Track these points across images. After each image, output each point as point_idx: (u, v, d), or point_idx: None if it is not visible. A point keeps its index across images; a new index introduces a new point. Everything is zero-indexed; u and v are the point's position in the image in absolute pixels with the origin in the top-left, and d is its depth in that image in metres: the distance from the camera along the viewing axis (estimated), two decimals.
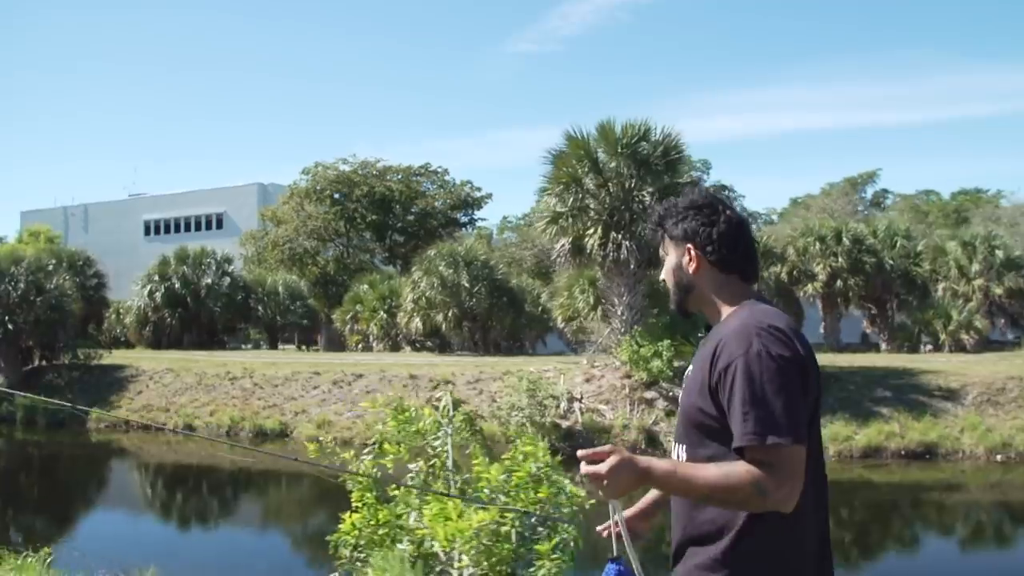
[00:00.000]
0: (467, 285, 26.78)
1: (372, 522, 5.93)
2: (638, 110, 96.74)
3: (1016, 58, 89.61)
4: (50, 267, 25.44)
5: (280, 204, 46.28)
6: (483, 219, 50.58)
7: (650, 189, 18.01)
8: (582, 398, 17.99)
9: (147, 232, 58.93)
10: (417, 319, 27.18)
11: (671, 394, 17.91)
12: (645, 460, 2.03)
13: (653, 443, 16.90)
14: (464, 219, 49.65)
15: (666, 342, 17.42)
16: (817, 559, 2.15)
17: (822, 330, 27.20)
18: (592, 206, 18.62)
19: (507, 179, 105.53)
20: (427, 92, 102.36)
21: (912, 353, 24.22)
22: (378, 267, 46.63)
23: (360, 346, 30.54)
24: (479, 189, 48.42)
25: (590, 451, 2.04)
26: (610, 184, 18.08)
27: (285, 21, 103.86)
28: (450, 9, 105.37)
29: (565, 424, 17.31)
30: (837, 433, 16.14)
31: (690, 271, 2.28)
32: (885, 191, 62.01)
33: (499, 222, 63.16)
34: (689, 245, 2.27)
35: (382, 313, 30.04)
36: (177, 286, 31.79)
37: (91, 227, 58.92)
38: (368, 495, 6.16)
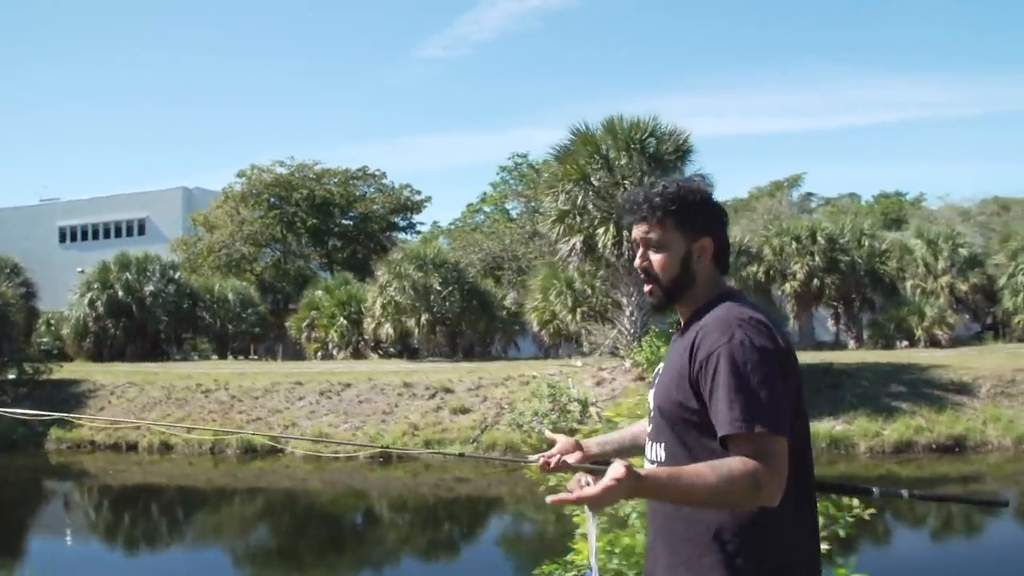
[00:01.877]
0: (439, 288, 25.87)
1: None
2: (551, 115, 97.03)
3: (913, 69, 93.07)
4: None
5: (213, 208, 44.44)
6: (422, 223, 49.57)
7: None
8: (596, 402, 17.33)
9: (62, 239, 55.89)
10: (387, 325, 26.10)
11: None
12: (643, 471, 1.89)
13: None
14: (403, 223, 48.59)
15: None
16: (807, 553, 2.11)
17: (796, 328, 27.22)
18: (601, 203, 18.00)
19: (423, 185, 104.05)
20: (338, 98, 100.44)
21: (887, 350, 24.35)
22: (315, 272, 45.25)
23: (320, 354, 29.26)
24: (418, 192, 47.55)
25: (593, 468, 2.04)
26: (626, 181, 17.48)
27: (204, 22, 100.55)
28: (360, 14, 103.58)
29: (584, 429, 16.59)
30: (866, 429, 15.94)
31: (699, 264, 2.21)
32: (810, 194, 63.43)
33: (430, 227, 62.42)
34: (707, 239, 2.20)
35: (342, 319, 28.84)
36: (120, 294, 29.80)
37: (0, 234, 55.51)
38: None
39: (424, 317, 25.67)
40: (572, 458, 2.42)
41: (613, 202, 17.99)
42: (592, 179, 17.99)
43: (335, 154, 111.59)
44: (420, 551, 12.83)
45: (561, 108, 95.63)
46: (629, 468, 1.82)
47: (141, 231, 54.25)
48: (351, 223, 45.94)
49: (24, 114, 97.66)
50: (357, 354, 28.44)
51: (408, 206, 47.31)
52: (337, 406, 19.10)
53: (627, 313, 18.51)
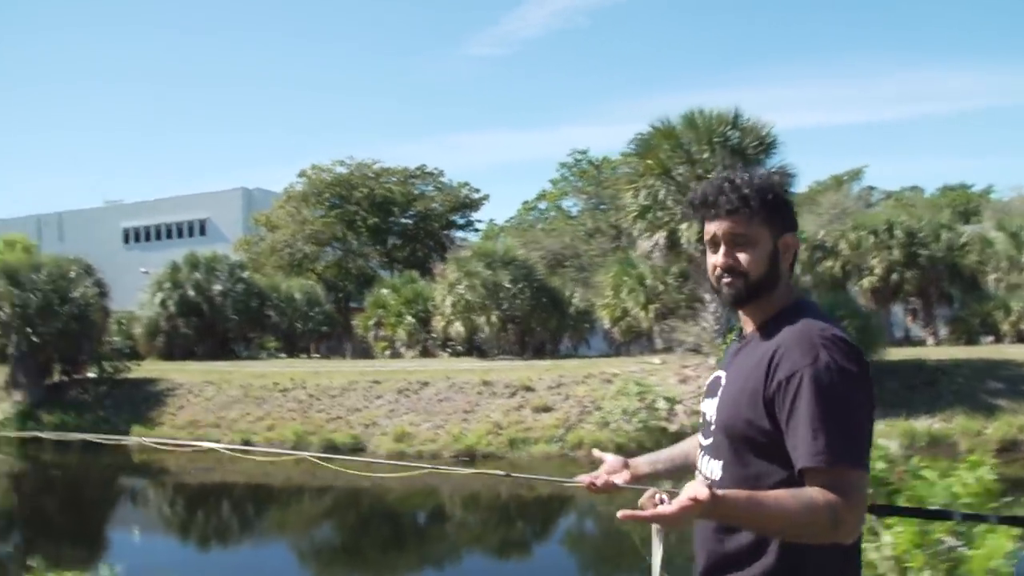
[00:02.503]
0: (508, 286, 25.69)
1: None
2: (600, 113, 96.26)
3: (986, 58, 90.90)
4: (72, 274, 23.69)
5: (275, 208, 44.75)
6: (480, 221, 49.41)
7: None
8: (682, 400, 17.02)
9: (126, 240, 56.76)
10: (457, 323, 25.98)
11: None
12: (723, 493, 1.75)
13: None
14: (461, 221, 48.50)
15: None
16: (847, 562, 1.97)
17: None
18: (683, 199, 17.66)
19: (472, 183, 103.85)
20: (389, 97, 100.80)
21: (971, 345, 23.68)
22: (375, 271, 45.39)
23: (387, 352, 29.25)
24: (477, 190, 47.36)
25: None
26: (709, 175, 17.12)
27: (256, 28, 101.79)
28: (407, 12, 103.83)
29: (672, 428, 16.32)
30: (966, 427, 15.49)
31: (784, 263, 2.08)
32: (871, 188, 62.28)
33: (486, 225, 62.27)
34: (792, 236, 2.08)
35: (409, 318, 28.80)
36: (191, 293, 30.08)
37: (66, 236, 56.36)
38: None
39: (494, 315, 25.51)
40: (620, 478, 2.37)
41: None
42: (674, 174, 17.68)
43: (384, 153, 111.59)
44: (491, 552, 12.68)
45: (609, 105, 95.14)
46: (711, 489, 1.71)
47: (202, 231, 54.88)
48: (411, 221, 45.96)
49: (88, 118, 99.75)
50: (425, 352, 28.38)
51: (466, 204, 47.20)
52: (416, 405, 19.00)
53: (710, 309, 18.16)
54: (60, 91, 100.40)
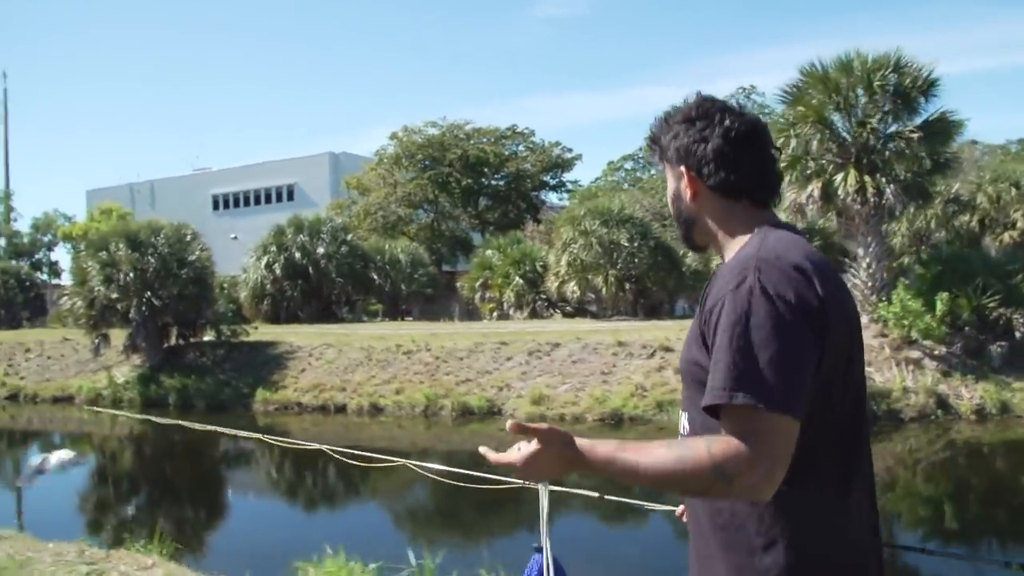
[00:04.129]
0: (626, 244, 24.85)
1: None
2: (677, 72, 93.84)
3: None
4: (188, 237, 23.52)
5: (367, 171, 44.42)
6: (572, 182, 48.38)
7: (912, 126, 15.98)
8: None
9: (215, 207, 57.14)
10: (573, 283, 25.24)
11: (936, 353, 16.03)
12: (582, 443, 1.62)
13: (945, 407, 15.02)
14: (552, 182, 47.60)
15: (944, 295, 15.50)
16: (863, 552, 1.70)
17: None
18: (837, 147, 16.63)
19: None
20: (452, 60, 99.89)
21: None
22: (466, 233, 44.87)
23: (495, 314, 28.69)
24: (570, 150, 46.32)
25: (531, 425, 1.64)
26: (871, 121, 16.03)
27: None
28: None
29: None
30: None
31: (687, 199, 1.84)
32: (974, 141, 59.50)
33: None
34: (682, 168, 1.82)
35: (517, 278, 28.16)
36: (297, 256, 29.85)
37: (157, 204, 57.01)
38: None
39: (612, 274, 24.70)
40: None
41: (853, 144, 16.66)
42: (828, 121, 16.58)
43: (458, 116, 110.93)
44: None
45: (686, 64, 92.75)
46: (557, 433, 1.64)
47: (290, 197, 54.90)
48: (502, 183, 45.23)
49: (176, 87, 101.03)
50: (534, 314, 27.74)
51: (559, 164, 46.23)
52: (550, 367, 18.35)
53: (863, 265, 17.10)
54: (149, 61, 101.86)
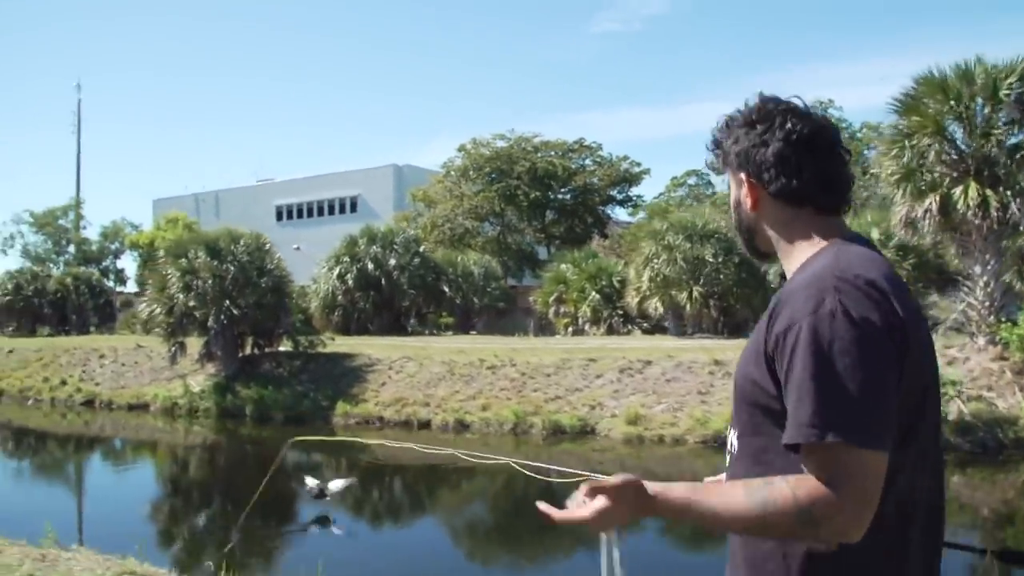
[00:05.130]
0: (711, 260, 24.08)
1: None
2: (732, 88, 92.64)
3: None
4: (267, 246, 23.26)
5: (434, 183, 44.16)
6: (640, 196, 47.62)
7: None
8: (961, 384, 15.14)
9: (279, 217, 57.33)
10: (655, 299, 24.52)
11: None
12: (654, 489, 1.56)
13: None
14: (619, 196, 46.91)
15: None
16: None
17: None
18: (955, 159, 15.76)
19: None
20: (509, 77, 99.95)
21: None
22: (532, 247, 44.37)
23: (571, 330, 28.06)
24: (638, 164, 45.62)
25: (607, 484, 1.57)
26: (994, 133, 15.15)
27: (395, 12, 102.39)
28: None
29: (950, 417, 14.48)
30: None
31: (748, 207, 1.76)
32: None
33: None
34: (742, 174, 1.75)
35: (594, 293, 27.52)
36: (370, 267, 29.50)
37: (222, 213, 57.40)
38: None
39: (696, 291, 23.94)
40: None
41: (971, 156, 15.78)
42: (946, 131, 15.72)
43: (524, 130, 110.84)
44: None
45: (741, 80, 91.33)
46: (630, 485, 1.56)
47: (353, 208, 54.90)
48: (568, 196, 44.67)
49: (240, 99, 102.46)
50: (611, 330, 27.07)
51: (626, 178, 45.56)
52: (643, 385, 17.65)
53: (980, 284, 16.16)
54: (214, 73, 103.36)
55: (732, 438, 1.73)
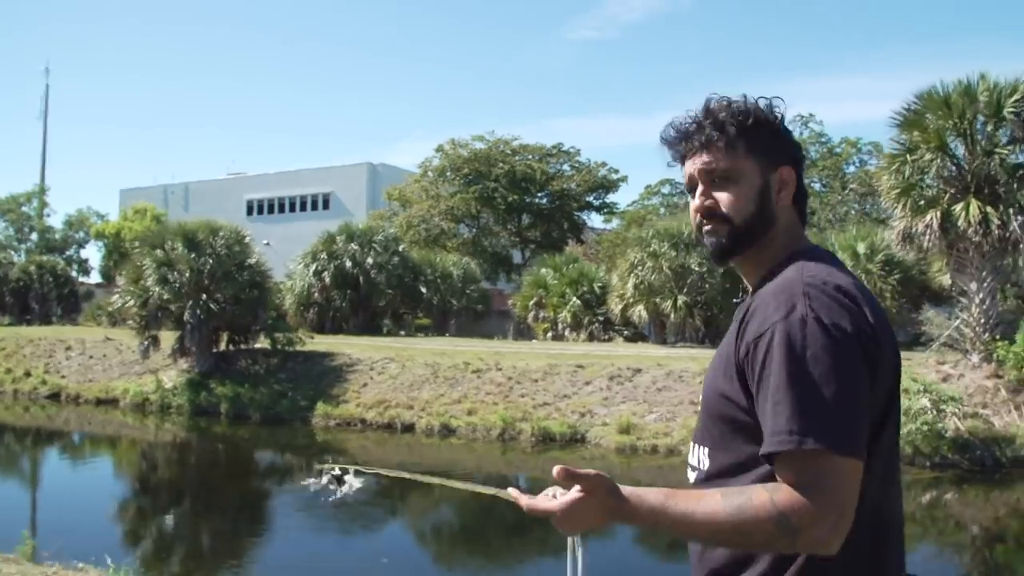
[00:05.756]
0: (696, 268, 23.90)
1: None
2: (702, 99, 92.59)
3: None
4: (247, 238, 22.67)
5: (409, 183, 43.68)
6: (615, 203, 47.42)
7: None
8: (960, 400, 15.03)
9: (249, 212, 56.45)
10: (640, 306, 24.29)
11: None
12: (628, 492, 1.52)
13: None
14: (596, 202, 46.71)
15: None
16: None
17: None
18: (955, 176, 15.71)
19: None
20: (484, 80, 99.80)
21: None
22: (508, 251, 44.10)
23: (550, 335, 27.75)
24: (616, 171, 45.49)
25: (579, 471, 1.52)
26: (999, 152, 15.10)
27: (371, 12, 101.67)
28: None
29: (947, 434, 14.36)
30: None
31: (779, 201, 1.70)
32: None
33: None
34: (787, 167, 1.71)
35: (575, 299, 27.26)
36: (348, 265, 28.93)
37: (191, 206, 56.38)
38: None
39: (681, 299, 23.74)
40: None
41: (970, 173, 15.72)
42: (948, 148, 15.66)
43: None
44: None
45: (713, 91, 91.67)
46: (602, 480, 1.51)
47: (325, 206, 54.26)
48: (545, 201, 44.41)
49: (213, 90, 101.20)
50: (592, 336, 26.80)
51: (604, 184, 45.38)
52: (633, 393, 17.37)
53: (976, 300, 16.11)
54: (187, 62, 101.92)
55: (700, 454, 1.68)
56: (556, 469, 1.53)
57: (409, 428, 18.02)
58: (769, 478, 1.47)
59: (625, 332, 26.82)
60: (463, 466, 15.82)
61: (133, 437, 20.11)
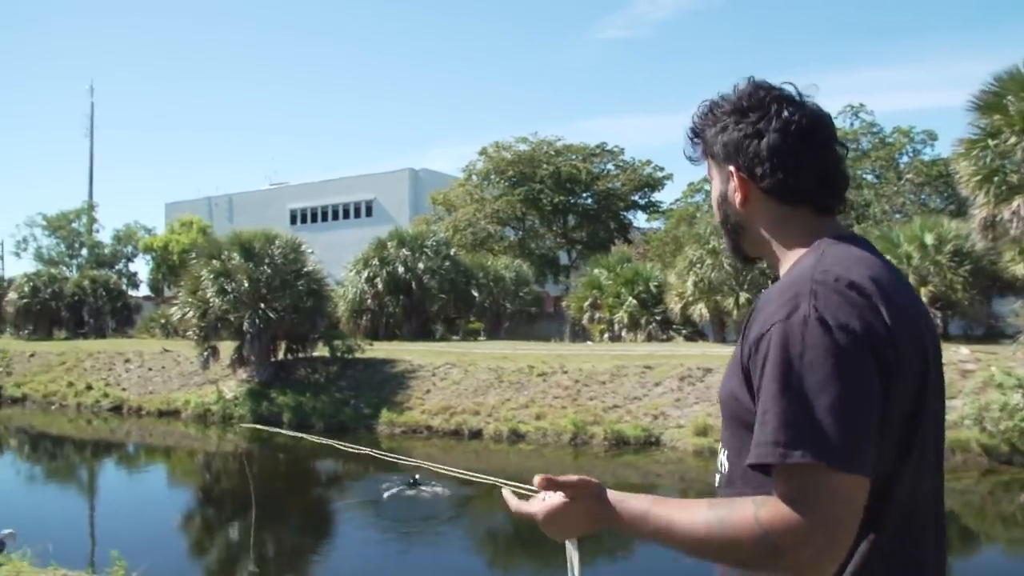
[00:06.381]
0: (759, 264, 23.38)
1: None
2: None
3: None
4: (302, 246, 22.56)
5: (454, 187, 43.51)
6: (661, 202, 46.90)
7: None
8: None
9: (292, 221, 56.60)
10: (701, 304, 23.85)
11: None
12: (615, 498, 1.46)
13: None
14: (642, 201, 46.23)
15: None
16: None
17: None
18: None
19: None
20: (516, 82, 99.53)
21: None
22: (554, 252, 43.76)
23: (607, 336, 27.36)
24: (661, 168, 44.96)
25: (561, 479, 1.49)
26: None
27: (407, 18, 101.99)
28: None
29: None
30: None
31: (737, 204, 1.58)
32: None
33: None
34: (731, 167, 1.57)
35: (631, 299, 26.84)
36: (400, 270, 28.75)
37: (236, 217, 56.71)
38: None
39: (743, 296, 23.27)
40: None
41: None
42: None
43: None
44: None
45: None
46: (587, 485, 1.46)
47: (368, 213, 54.26)
48: (591, 201, 44.01)
49: (252, 103, 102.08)
50: (650, 336, 26.38)
51: (650, 183, 44.89)
52: (706, 394, 16.96)
53: None
54: (228, 76, 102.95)
55: (722, 457, 1.60)
56: (537, 479, 1.51)
57: (477, 434, 17.74)
58: None
59: (684, 331, 26.37)
60: (532, 472, 15.49)
61: (199, 448, 20.02)
